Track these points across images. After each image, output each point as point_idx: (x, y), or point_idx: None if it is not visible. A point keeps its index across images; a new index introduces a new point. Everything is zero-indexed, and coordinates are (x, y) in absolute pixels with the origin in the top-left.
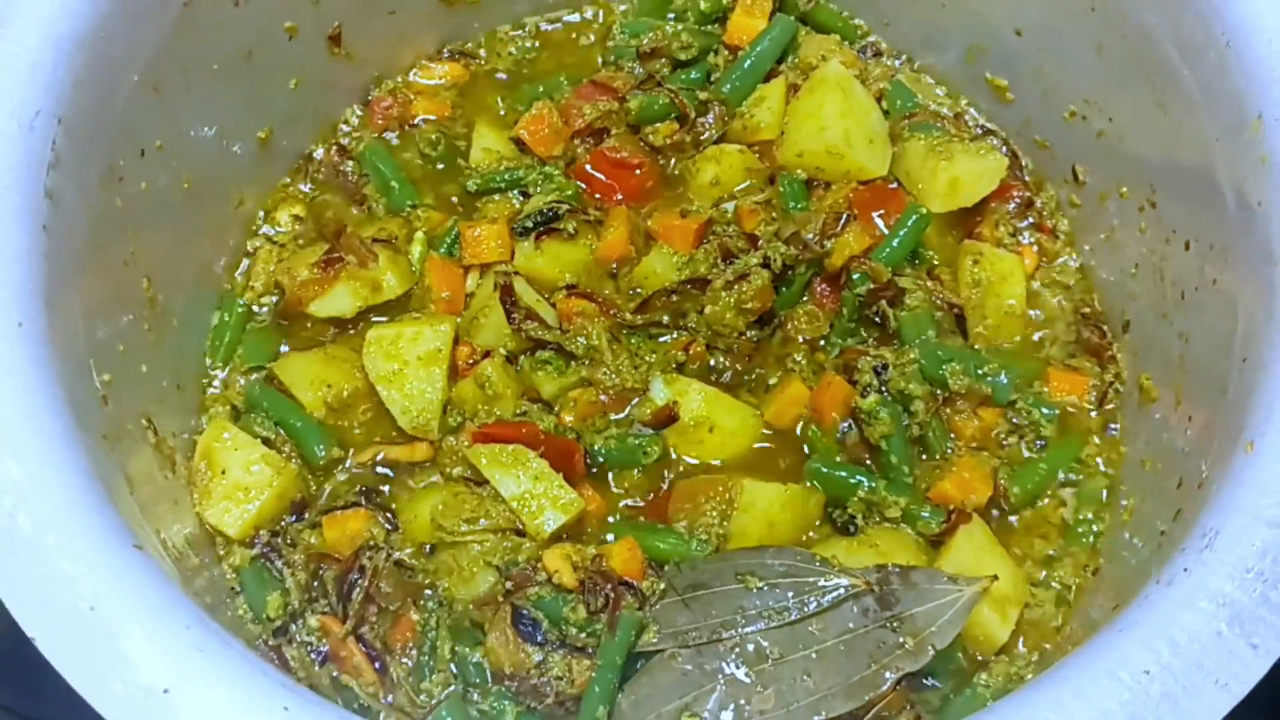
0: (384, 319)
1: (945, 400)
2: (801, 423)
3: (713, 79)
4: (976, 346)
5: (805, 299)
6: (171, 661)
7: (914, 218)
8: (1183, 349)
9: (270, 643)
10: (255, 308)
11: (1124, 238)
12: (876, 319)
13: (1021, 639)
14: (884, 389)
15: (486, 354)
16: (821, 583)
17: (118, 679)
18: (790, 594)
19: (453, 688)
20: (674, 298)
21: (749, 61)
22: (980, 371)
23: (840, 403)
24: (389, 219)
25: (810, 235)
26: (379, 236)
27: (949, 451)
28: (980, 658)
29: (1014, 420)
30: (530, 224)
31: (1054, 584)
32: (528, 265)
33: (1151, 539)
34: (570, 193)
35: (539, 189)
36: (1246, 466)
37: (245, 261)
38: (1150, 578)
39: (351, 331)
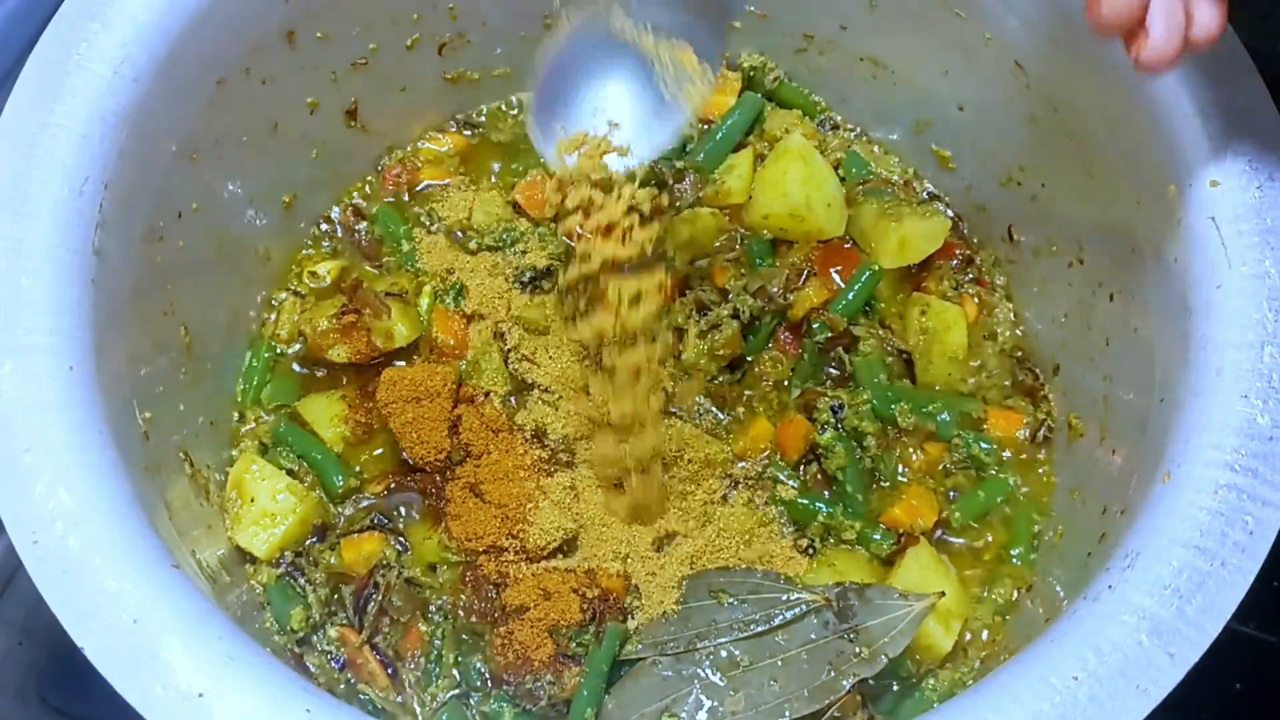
0: (396, 363)
1: (895, 436)
2: (767, 455)
3: (688, 150)
4: (923, 388)
5: (770, 346)
6: (206, 668)
7: (867, 274)
8: (1107, 390)
9: (294, 651)
10: (281, 352)
11: (1054, 290)
12: (834, 364)
13: (964, 648)
14: (840, 426)
15: (486, 394)
16: (786, 598)
17: (158, 684)
18: (758, 609)
19: (456, 691)
20: None
21: (720, 134)
22: (926, 410)
23: (801, 438)
24: (399, 274)
25: (775, 289)
26: (391, 290)
27: (899, 481)
28: (928, 665)
29: (956, 454)
30: (525, 279)
31: (993, 599)
32: (523, 315)
33: (1079, 560)
34: (561, 251)
35: (533, 248)
36: (1164, 495)
37: (272, 312)
38: (1078, 594)
39: (367, 374)
